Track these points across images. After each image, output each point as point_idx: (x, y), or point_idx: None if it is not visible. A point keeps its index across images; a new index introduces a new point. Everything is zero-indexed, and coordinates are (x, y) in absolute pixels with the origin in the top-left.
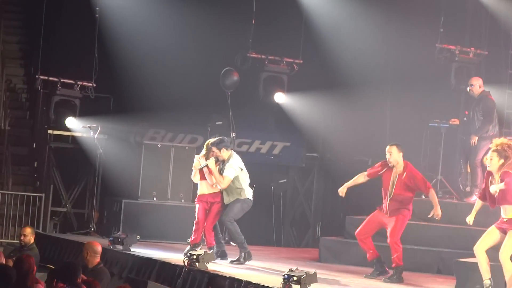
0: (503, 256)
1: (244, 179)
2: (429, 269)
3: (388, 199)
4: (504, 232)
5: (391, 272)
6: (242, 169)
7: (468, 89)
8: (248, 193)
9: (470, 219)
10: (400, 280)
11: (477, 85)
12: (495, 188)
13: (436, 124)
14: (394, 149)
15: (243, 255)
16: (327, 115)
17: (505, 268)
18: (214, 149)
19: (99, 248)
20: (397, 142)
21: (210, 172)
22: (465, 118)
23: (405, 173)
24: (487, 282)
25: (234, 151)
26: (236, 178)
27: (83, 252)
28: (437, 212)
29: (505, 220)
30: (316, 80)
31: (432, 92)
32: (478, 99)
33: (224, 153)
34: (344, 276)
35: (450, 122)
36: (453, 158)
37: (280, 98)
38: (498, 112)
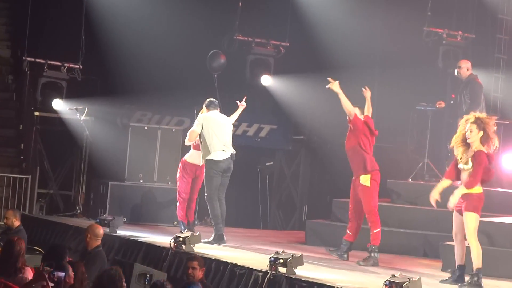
0: (469, 237)
1: (210, 137)
2: (415, 252)
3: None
4: (461, 213)
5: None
6: (203, 126)
7: (455, 72)
8: (214, 154)
9: (433, 195)
10: (374, 263)
11: (465, 68)
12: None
13: (423, 107)
14: (357, 111)
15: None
16: (314, 98)
17: (473, 247)
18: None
19: (101, 232)
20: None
21: None
22: (452, 102)
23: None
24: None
25: None
26: (201, 137)
27: (84, 234)
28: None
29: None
30: (302, 62)
31: (419, 75)
32: (465, 82)
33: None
34: (330, 258)
35: (437, 105)
36: (439, 141)
37: (266, 80)
38: (485, 95)
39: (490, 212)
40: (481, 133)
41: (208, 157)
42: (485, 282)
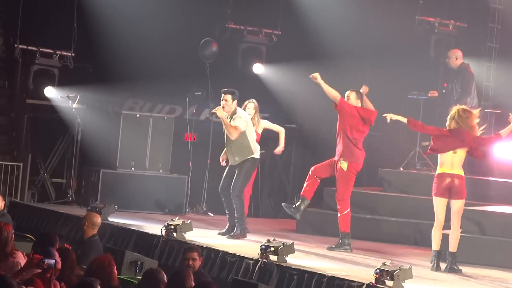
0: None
1: (252, 135)
2: (407, 241)
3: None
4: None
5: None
6: (248, 124)
7: (447, 61)
8: (256, 151)
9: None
10: (345, 249)
11: (454, 57)
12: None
13: (415, 96)
14: (353, 95)
15: (239, 231)
16: (306, 86)
17: (453, 230)
18: (228, 97)
19: (98, 221)
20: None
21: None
22: (443, 91)
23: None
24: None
25: (213, 121)
26: (243, 134)
27: (82, 222)
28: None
29: None
30: (294, 51)
31: (411, 64)
32: (457, 71)
33: (233, 106)
34: (321, 247)
35: (429, 94)
36: None
37: (258, 69)
38: (476, 84)
39: (481, 201)
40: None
41: (253, 156)
42: (475, 271)
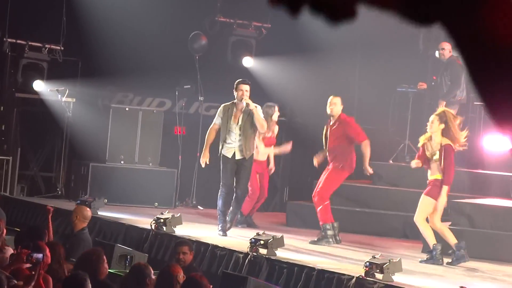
0: (417, 218)
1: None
2: (396, 234)
3: (327, 154)
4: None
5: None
6: None
7: (437, 54)
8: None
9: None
10: (328, 242)
11: (447, 49)
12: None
13: (404, 89)
14: (338, 101)
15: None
16: (295, 80)
17: (422, 230)
18: (249, 87)
19: (89, 214)
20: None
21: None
22: (433, 83)
23: (336, 123)
24: (437, 246)
25: (202, 115)
26: (253, 135)
27: (72, 215)
28: (365, 166)
29: (427, 182)
30: (284, 44)
31: (400, 57)
32: (446, 64)
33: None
34: (311, 240)
35: (418, 87)
36: (420, 123)
37: (248, 62)
38: (465, 77)
39: (471, 194)
40: (442, 125)
41: (254, 156)
42: (465, 263)
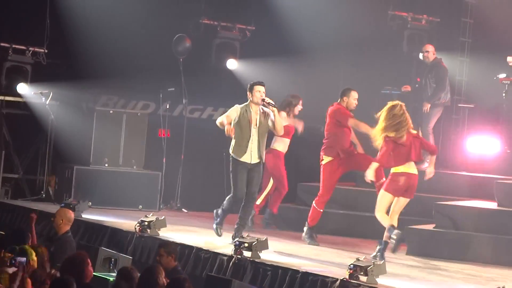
0: (378, 214)
1: None
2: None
3: None
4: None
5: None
6: None
7: (421, 56)
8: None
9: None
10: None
11: (431, 51)
12: None
13: (388, 91)
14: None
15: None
16: (280, 82)
17: (384, 223)
18: (264, 89)
19: (72, 217)
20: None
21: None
22: (417, 85)
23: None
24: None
25: (186, 117)
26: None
27: (56, 219)
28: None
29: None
30: (268, 46)
31: (384, 59)
32: (430, 66)
33: None
34: (295, 242)
35: (402, 89)
36: None
37: (232, 64)
38: (449, 79)
39: (454, 196)
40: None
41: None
42: (448, 265)
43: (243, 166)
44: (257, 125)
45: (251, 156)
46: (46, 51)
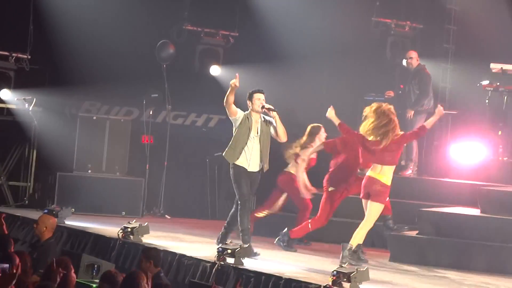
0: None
1: None
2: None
3: None
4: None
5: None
6: None
7: (404, 63)
8: None
9: None
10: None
11: (415, 58)
12: None
13: (371, 97)
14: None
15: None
16: (263, 88)
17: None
18: (263, 96)
19: (55, 223)
20: None
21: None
22: (400, 92)
23: None
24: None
25: (170, 123)
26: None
27: (38, 225)
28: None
29: None
30: (252, 53)
31: (368, 66)
32: (414, 72)
33: None
34: (277, 249)
35: (386, 95)
36: None
37: (215, 70)
38: (433, 86)
39: (437, 202)
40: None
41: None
42: (431, 272)
43: (245, 173)
44: (258, 134)
45: (248, 163)
46: (29, 57)
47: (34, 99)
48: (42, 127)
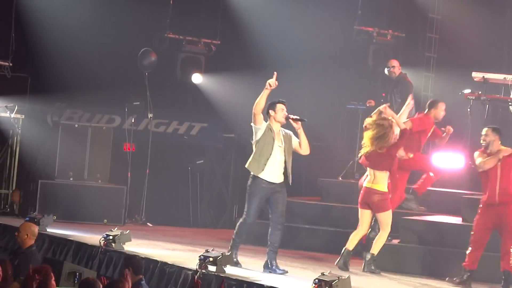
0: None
1: None
2: (356, 253)
3: None
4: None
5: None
6: None
7: (386, 71)
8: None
9: None
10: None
11: (397, 67)
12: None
13: (353, 106)
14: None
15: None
16: (245, 96)
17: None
18: (285, 107)
19: (37, 230)
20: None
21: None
22: (382, 100)
23: None
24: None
25: (152, 131)
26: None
27: (20, 233)
28: None
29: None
30: (233, 61)
31: (350, 74)
32: (395, 81)
33: None
34: (259, 257)
35: (367, 104)
36: None
37: (197, 79)
38: (415, 94)
39: (420, 211)
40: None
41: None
42: (414, 280)
43: (265, 187)
44: (282, 145)
45: (272, 174)
46: (11, 64)
47: (16, 107)
48: (24, 135)
